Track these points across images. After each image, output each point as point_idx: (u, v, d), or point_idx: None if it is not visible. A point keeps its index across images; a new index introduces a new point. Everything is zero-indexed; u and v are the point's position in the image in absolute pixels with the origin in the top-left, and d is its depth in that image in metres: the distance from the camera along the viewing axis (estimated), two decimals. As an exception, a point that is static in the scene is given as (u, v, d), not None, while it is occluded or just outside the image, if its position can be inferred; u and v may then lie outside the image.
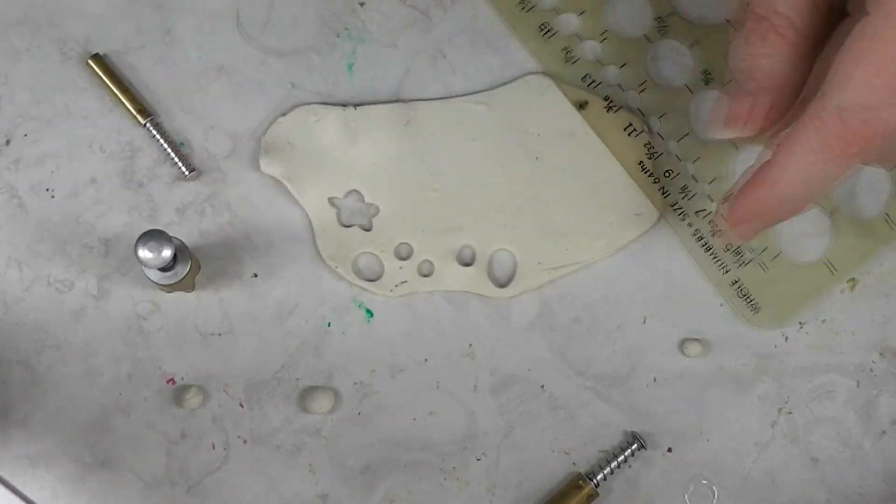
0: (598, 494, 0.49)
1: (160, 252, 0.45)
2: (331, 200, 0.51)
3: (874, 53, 0.39)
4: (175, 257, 0.46)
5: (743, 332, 0.50)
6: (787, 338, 0.50)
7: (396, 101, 0.52)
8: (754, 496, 0.49)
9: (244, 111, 0.52)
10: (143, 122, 0.51)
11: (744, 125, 0.43)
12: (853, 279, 0.51)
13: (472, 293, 0.50)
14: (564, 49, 0.51)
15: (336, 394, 0.50)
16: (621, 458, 0.49)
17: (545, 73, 0.52)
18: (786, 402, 0.50)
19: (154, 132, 0.51)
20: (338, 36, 0.52)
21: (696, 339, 0.50)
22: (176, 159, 0.51)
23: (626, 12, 0.52)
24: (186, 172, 0.51)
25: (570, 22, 0.51)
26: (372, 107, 0.51)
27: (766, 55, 0.42)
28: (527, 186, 0.51)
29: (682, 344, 0.50)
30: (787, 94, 0.43)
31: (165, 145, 0.51)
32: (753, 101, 0.43)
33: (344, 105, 0.51)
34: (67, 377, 0.50)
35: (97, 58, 0.51)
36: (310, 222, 0.51)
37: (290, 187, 0.51)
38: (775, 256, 0.50)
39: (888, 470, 0.49)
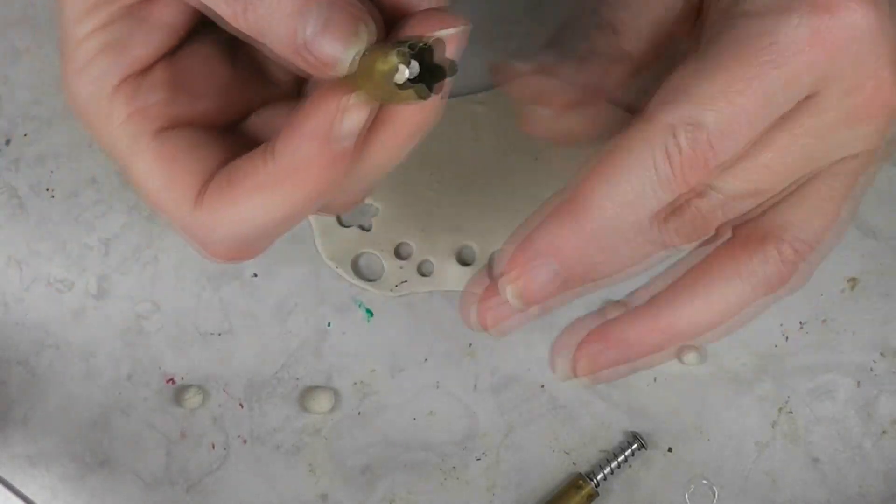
0: (598, 494, 0.49)
1: None
2: (331, 200, 0.51)
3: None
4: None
5: (743, 331, 0.50)
6: (787, 337, 0.50)
7: (396, 101, 0.51)
8: (754, 496, 0.49)
9: (244, 111, 0.51)
10: (143, 122, 0.51)
11: None
12: (853, 279, 0.50)
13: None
14: None
15: (336, 394, 0.50)
16: (621, 458, 0.49)
17: (545, 73, 0.52)
18: (786, 402, 0.50)
19: (154, 132, 0.51)
20: (338, 36, 0.52)
21: (693, 347, 0.50)
22: (176, 159, 0.51)
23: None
24: (186, 172, 0.51)
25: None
26: (372, 107, 0.51)
27: None
28: (527, 186, 0.51)
29: (679, 351, 0.50)
30: None
31: (165, 145, 0.51)
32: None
33: (344, 105, 0.51)
34: (67, 377, 0.50)
35: (97, 58, 0.51)
36: (310, 222, 0.51)
37: (290, 187, 0.51)
38: None
39: (888, 470, 0.49)
